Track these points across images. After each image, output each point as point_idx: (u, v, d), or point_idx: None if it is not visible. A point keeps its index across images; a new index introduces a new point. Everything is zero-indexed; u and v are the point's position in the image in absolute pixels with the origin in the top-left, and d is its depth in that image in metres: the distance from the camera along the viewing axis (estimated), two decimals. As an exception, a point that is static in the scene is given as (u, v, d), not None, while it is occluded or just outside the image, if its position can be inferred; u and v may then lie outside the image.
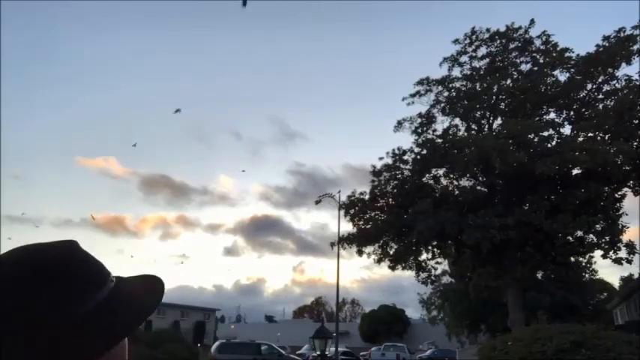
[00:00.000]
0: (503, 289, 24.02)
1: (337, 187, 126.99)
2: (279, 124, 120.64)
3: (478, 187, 23.19)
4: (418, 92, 24.92)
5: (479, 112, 23.58)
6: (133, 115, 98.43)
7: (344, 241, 24.60)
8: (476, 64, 24.49)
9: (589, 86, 21.94)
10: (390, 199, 23.87)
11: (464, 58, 24.66)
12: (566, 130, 22.05)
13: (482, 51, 24.36)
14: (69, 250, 0.76)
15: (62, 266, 0.73)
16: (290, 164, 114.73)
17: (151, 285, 0.82)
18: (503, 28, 23.86)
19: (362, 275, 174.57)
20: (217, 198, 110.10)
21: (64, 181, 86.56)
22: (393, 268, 23.12)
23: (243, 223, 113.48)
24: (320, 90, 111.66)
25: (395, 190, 23.66)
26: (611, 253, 19.37)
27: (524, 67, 23.58)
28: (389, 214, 22.88)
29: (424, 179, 23.73)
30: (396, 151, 23.95)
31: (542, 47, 23.27)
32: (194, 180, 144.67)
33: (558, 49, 22.76)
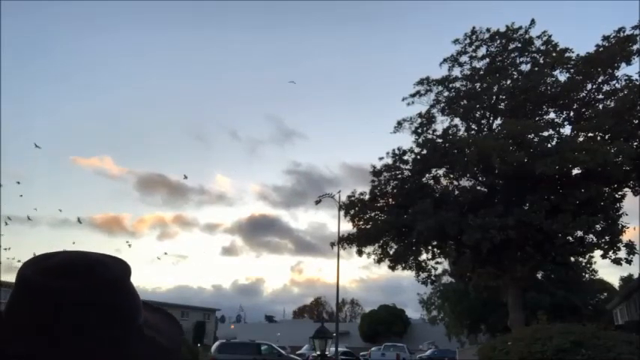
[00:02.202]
0: (503, 289, 24.02)
1: (335, 187, 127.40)
2: (276, 123, 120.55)
3: (478, 187, 23.19)
4: (418, 92, 24.94)
5: (479, 112, 23.58)
6: (129, 115, 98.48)
7: (344, 241, 24.60)
8: (476, 64, 24.52)
9: (589, 86, 21.93)
10: (390, 199, 23.87)
11: (464, 58, 24.70)
12: (566, 130, 22.09)
13: (482, 51, 24.39)
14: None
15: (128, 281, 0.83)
16: (287, 164, 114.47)
17: (168, 317, 0.93)
18: (503, 28, 23.88)
19: (361, 275, 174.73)
20: (215, 197, 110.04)
21: (60, 181, 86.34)
22: (393, 268, 23.11)
23: (241, 223, 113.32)
24: (318, 89, 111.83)
25: (395, 190, 23.66)
26: (610, 253, 19.38)
27: (525, 68, 23.62)
28: (389, 214, 22.87)
29: (424, 179, 23.72)
30: (396, 151, 23.95)
31: (542, 47, 23.27)
32: (191, 179, 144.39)
33: (558, 49, 22.77)
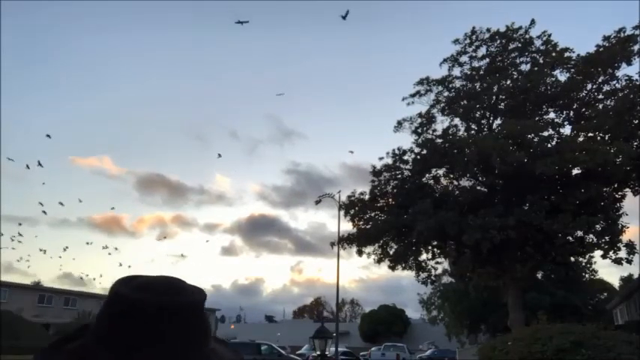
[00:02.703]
0: (503, 289, 24.02)
1: (334, 187, 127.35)
2: (275, 122, 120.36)
3: (478, 187, 23.18)
4: (418, 92, 24.95)
5: (479, 112, 23.57)
6: (128, 115, 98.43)
7: (344, 241, 24.60)
8: (476, 64, 24.52)
9: (589, 86, 21.92)
10: (390, 199, 23.87)
11: (464, 58, 24.71)
12: (566, 130, 22.08)
13: (482, 51, 24.40)
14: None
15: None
16: (287, 163, 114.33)
17: (233, 350, 1.00)
18: (503, 28, 23.88)
19: (360, 275, 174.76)
20: (214, 197, 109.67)
21: (59, 181, 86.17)
22: (393, 268, 23.11)
23: (240, 223, 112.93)
24: (317, 89, 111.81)
25: (395, 190, 23.66)
26: (611, 253, 19.33)
27: (524, 68, 23.61)
28: (389, 214, 22.87)
29: (424, 179, 23.72)
30: (396, 151, 23.97)
31: (542, 47, 23.27)
32: (190, 179, 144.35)
33: (558, 49, 22.77)
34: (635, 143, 19.12)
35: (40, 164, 24.98)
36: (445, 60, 24.95)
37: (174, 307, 0.82)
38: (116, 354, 0.78)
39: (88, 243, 70.97)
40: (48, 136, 29.01)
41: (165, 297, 0.82)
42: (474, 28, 24.33)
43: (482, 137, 21.02)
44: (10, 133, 68.23)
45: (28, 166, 25.05)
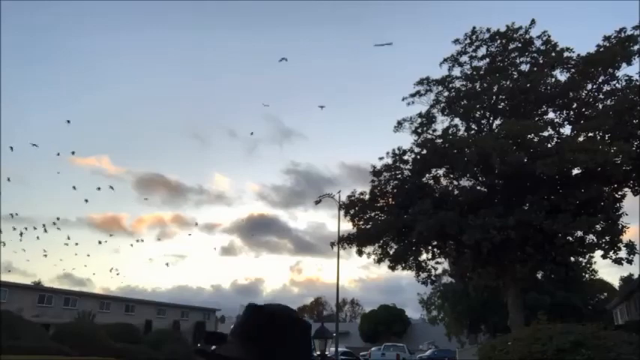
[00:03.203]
0: (503, 289, 24.02)
1: (333, 186, 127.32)
2: (275, 122, 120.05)
3: (478, 187, 23.18)
4: (418, 92, 24.95)
5: (479, 112, 23.57)
6: (127, 114, 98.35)
7: (344, 241, 24.61)
8: (476, 64, 24.52)
9: (589, 86, 21.92)
10: (390, 199, 23.88)
11: (464, 58, 24.71)
12: (566, 130, 22.09)
13: (483, 51, 24.41)
14: None
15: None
16: (286, 163, 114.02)
17: None
18: (503, 28, 23.88)
19: (360, 275, 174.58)
20: (214, 197, 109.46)
21: (58, 181, 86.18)
22: (393, 268, 23.11)
23: (239, 223, 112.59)
24: (317, 89, 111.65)
25: (395, 190, 23.67)
26: (611, 253, 19.31)
27: (524, 68, 23.60)
28: (389, 214, 22.87)
29: (424, 179, 23.72)
30: (396, 151, 23.98)
31: (542, 47, 23.27)
32: (190, 179, 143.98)
33: (558, 49, 22.77)
34: (635, 143, 19.09)
35: (73, 153, 28.53)
36: (445, 60, 24.97)
37: (304, 324, 1.16)
38: (263, 349, 1.07)
39: (100, 242, 71.19)
40: (68, 121, 29.74)
41: (297, 314, 1.18)
42: (474, 28, 24.36)
43: (482, 137, 21.02)
44: (9, 132, 68.25)
45: (58, 154, 29.40)
